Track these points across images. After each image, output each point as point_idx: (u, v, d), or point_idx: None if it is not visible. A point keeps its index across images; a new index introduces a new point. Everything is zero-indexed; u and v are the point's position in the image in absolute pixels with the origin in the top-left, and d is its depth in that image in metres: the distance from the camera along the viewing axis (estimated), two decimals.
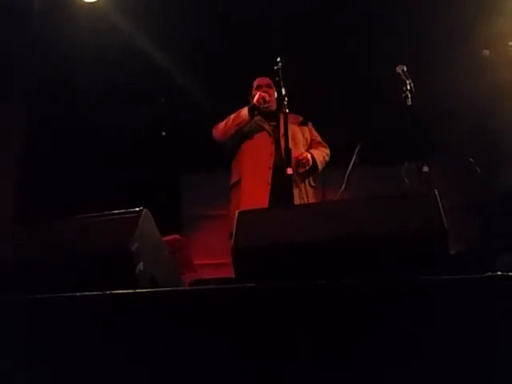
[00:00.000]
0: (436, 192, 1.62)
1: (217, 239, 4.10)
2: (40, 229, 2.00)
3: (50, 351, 1.55)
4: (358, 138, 3.57)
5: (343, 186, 3.36)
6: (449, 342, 1.32)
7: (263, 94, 3.34)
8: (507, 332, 1.27)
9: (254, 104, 3.33)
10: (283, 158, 3.08)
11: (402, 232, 1.58)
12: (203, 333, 1.46)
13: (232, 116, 3.40)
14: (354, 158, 3.40)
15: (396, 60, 3.11)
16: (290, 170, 2.93)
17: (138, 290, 1.56)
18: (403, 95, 2.89)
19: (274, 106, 3.43)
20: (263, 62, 3.31)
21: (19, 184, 4.21)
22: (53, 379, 1.53)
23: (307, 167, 3.26)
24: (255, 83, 3.56)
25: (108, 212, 1.88)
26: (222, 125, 3.43)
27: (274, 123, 3.41)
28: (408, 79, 2.92)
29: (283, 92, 3.08)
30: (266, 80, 3.50)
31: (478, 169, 3.63)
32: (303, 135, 3.48)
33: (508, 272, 1.32)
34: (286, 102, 3.05)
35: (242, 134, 3.38)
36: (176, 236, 3.37)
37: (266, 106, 3.33)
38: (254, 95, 3.41)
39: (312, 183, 3.44)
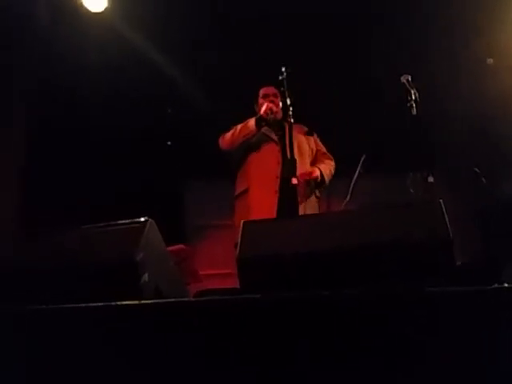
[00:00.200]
0: (441, 201, 1.62)
1: (222, 249, 4.10)
2: (44, 239, 2.00)
3: (52, 362, 1.55)
4: (363, 148, 3.58)
5: (348, 197, 3.36)
6: (453, 354, 1.31)
7: (270, 104, 3.34)
8: None
9: (262, 115, 3.33)
10: (289, 168, 3.08)
11: (407, 241, 1.57)
12: (208, 344, 1.45)
13: (239, 126, 3.40)
14: (359, 168, 3.41)
15: (401, 70, 3.12)
16: (294, 181, 2.93)
17: (142, 301, 1.56)
18: (408, 105, 2.90)
19: (280, 116, 3.43)
20: (268, 71, 3.33)
21: (19, 184, 4.21)
22: None
23: (316, 181, 3.27)
24: (261, 92, 3.56)
25: (113, 222, 1.88)
26: (228, 135, 3.43)
27: (279, 132, 3.41)
28: (413, 89, 2.93)
29: (288, 102, 3.09)
30: (272, 89, 3.49)
31: (483, 179, 3.62)
32: (309, 145, 3.48)
33: None
34: (290, 112, 3.05)
35: (249, 144, 3.38)
36: (181, 246, 3.36)
37: (272, 116, 3.32)
38: (261, 105, 3.41)
39: (317, 194, 3.44)
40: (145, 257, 1.70)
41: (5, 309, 1.63)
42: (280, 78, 3.12)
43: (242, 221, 1.82)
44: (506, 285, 1.32)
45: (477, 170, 3.68)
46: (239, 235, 1.75)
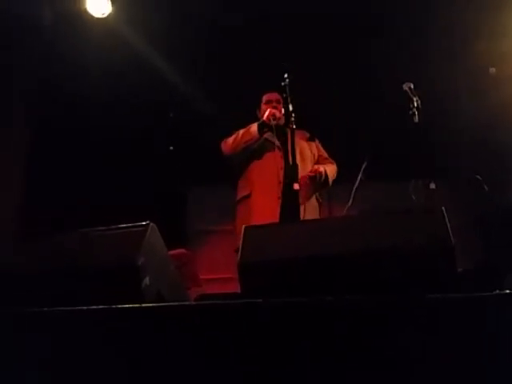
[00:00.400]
0: (443, 208, 1.62)
1: (223, 254, 4.10)
2: (45, 242, 2.00)
3: (52, 365, 1.55)
4: (365, 154, 3.58)
5: (350, 202, 3.36)
6: (454, 361, 1.30)
7: (273, 110, 3.35)
8: None
9: (264, 121, 3.33)
10: (292, 173, 3.09)
11: (409, 247, 1.57)
12: (209, 348, 1.45)
13: (241, 132, 3.41)
14: (360, 174, 3.41)
15: (403, 78, 3.13)
16: (296, 186, 2.93)
17: (143, 305, 1.56)
18: (410, 112, 2.91)
19: (282, 121, 3.44)
20: (271, 76, 3.34)
21: (20, 184, 4.21)
22: None
23: (320, 179, 3.27)
24: (264, 98, 3.57)
25: (114, 226, 1.88)
26: (230, 140, 3.43)
27: (282, 138, 3.42)
28: (415, 96, 2.94)
29: (290, 108, 3.10)
30: (275, 95, 3.50)
31: (485, 186, 3.62)
32: (311, 151, 3.49)
33: None
34: (293, 118, 3.06)
35: (251, 150, 3.38)
36: (182, 250, 3.36)
37: (275, 122, 3.33)
38: (264, 110, 3.41)
39: (319, 199, 3.44)
40: (146, 261, 1.70)
41: (5, 311, 1.63)
42: (282, 84, 3.13)
43: (244, 226, 1.82)
44: (507, 291, 1.31)
45: (479, 177, 3.68)
46: (240, 240, 1.75)
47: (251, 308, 1.47)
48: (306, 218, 3.15)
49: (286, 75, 3.13)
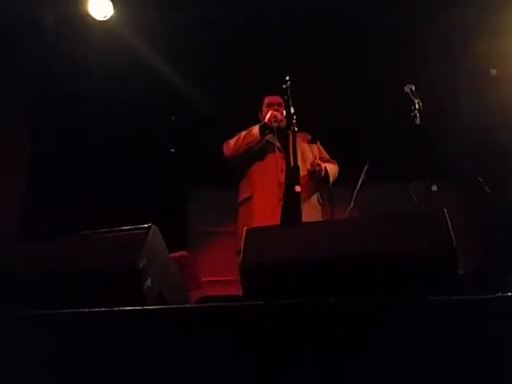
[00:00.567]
0: (445, 211, 1.62)
1: (224, 256, 4.10)
2: (47, 244, 2.00)
3: (54, 368, 1.55)
4: (367, 156, 3.58)
5: (351, 204, 3.36)
6: (456, 363, 1.30)
7: (275, 112, 3.36)
8: None
9: (266, 123, 3.34)
10: (293, 175, 3.10)
11: (411, 250, 1.57)
12: (210, 350, 1.45)
13: (243, 134, 3.41)
14: (362, 176, 3.41)
15: (404, 80, 3.13)
16: (298, 188, 2.93)
17: (145, 307, 1.56)
18: (412, 114, 2.91)
19: (284, 124, 3.45)
20: (272, 79, 3.34)
21: (20, 184, 4.22)
22: None
23: (319, 174, 3.27)
24: (266, 101, 3.58)
25: (116, 228, 1.89)
26: (232, 142, 3.44)
27: (283, 140, 3.42)
28: (416, 98, 2.94)
29: (292, 110, 3.10)
30: (277, 98, 3.51)
31: (487, 188, 3.62)
32: (312, 153, 3.50)
33: None
34: (294, 121, 3.07)
35: (253, 152, 3.39)
36: (183, 252, 3.36)
37: (277, 124, 3.33)
38: (265, 113, 3.42)
39: (320, 201, 3.44)
40: (148, 263, 1.70)
41: (6, 313, 1.63)
42: (284, 86, 3.14)
43: (245, 228, 1.82)
44: (509, 294, 1.31)
45: (480, 179, 3.68)
46: (242, 242, 1.75)
47: (253, 310, 1.47)
48: (308, 219, 3.15)
49: (287, 77, 3.14)
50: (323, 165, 3.34)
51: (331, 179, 3.40)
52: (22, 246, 2.13)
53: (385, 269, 1.56)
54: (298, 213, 2.95)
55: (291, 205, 3.05)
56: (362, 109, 4.56)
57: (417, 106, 2.91)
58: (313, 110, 3.79)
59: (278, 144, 3.42)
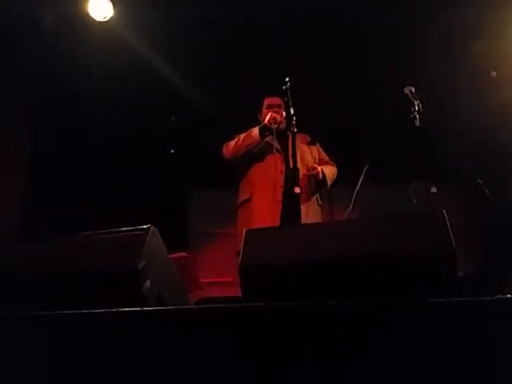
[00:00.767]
0: (444, 212, 1.62)
1: (223, 257, 4.09)
2: (47, 244, 2.00)
3: (53, 369, 1.55)
4: (366, 156, 3.58)
5: (351, 206, 3.36)
6: (455, 365, 1.30)
7: (274, 114, 3.35)
8: None
9: (265, 124, 3.34)
10: (293, 176, 3.10)
11: (411, 251, 1.57)
12: (210, 351, 1.45)
13: (242, 136, 3.41)
14: (362, 177, 3.41)
15: (404, 81, 3.13)
16: (297, 189, 2.93)
17: (144, 308, 1.56)
18: (411, 116, 2.91)
19: (283, 125, 3.45)
20: (272, 80, 3.34)
21: (20, 184, 4.22)
22: None
23: (316, 178, 3.27)
24: (266, 102, 3.58)
25: (115, 229, 1.89)
26: (232, 143, 3.44)
27: (283, 142, 3.42)
28: (416, 100, 2.94)
29: (291, 112, 3.10)
30: (277, 100, 3.51)
31: (486, 190, 3.62)
32: (312, 154, 3.50)
33: None
34: (294, 122, 3.07)
35: (253, 153, 3.39)
36: (183, 253, 3.37)
37: (276, 126, 3.33)
38: (265, 114, 3.42)
39: (320, 202, 3.44)
40: (147, 264, 1.70)
41: (6, 313, 1.63)
42: (284, 87, 3.14)
43: (245, 229, 1.82)
44: (508, 296, 1.31)
45: (480, 181, 3.68)
46: (242, 243, 1.75)
47: (252, 311, 1.47)
48: (308, 221, 3.15)
49: (287, 79, 3.14)
50: (319, 168, 3.34)
51: (329, 182, 3.39)
52: (21, 246, 2.13)
53: (384, 270, 1.56)
54: (297, 214, 2.96)
55: (290, 206, 3.05)
56: (361, 109, 4.56)
57: (416, 108, 2.92)
58: (312, 110, 3.79)
59: (277, 146, 3.42)
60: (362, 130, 4.55)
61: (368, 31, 4.30)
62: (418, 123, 2.90)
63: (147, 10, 4.09)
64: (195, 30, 4.28)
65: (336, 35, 4.27)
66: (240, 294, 1.70)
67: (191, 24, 4.24)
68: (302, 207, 3.07)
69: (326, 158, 3.58)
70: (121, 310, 1.53)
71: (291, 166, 3.11)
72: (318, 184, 3.33)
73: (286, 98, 3.15)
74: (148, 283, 1.68)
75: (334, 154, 3.65)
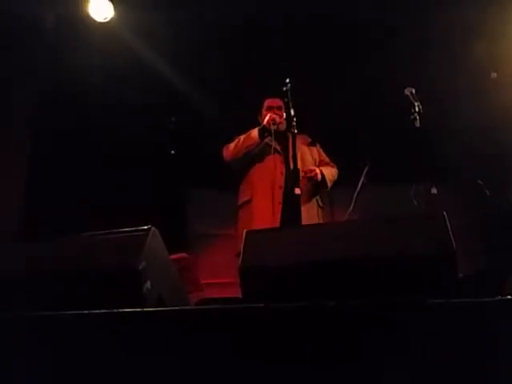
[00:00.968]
0: (445, 213, 1.62)
1: (224, 258, 4.09)
2: (47, 244, 2.00)
3: (54, 369, 1.55)
4: (367, 158, 3.58)
5: (351, 207, 3.36)
6: (455, 366, 1.30)
7: (274, 115, 3.36)
8: None
9: (265, 126, 3.34)
10: (293, 178, 3.10)
11: (411, 253, 1.57)
12: (210, 352, 1.45)
13: (242, 137, 3.41)
14: (362, 178, 3.41)
15: (403, 77, 3.13)
16: (298, 190, 2.93)
17: (145, 309, 1.56)
18: (412, 117, 2.92)
19: (283, 127, 3.45)
20: (273, 81, 3.34)
21: (20, 184, 4.22)
22: None
23: (315, 180, 3.27)
24: (266, 104, 3.58)
25: (116, 230, 1.89)
26: (232, 145, 3.44)
27: (283, 143, 3.42)
28: (416, 101, 2.94)
29: (292, 113, 3.10)
30: (277, 101, 3.51)
31: (487, 191, 3.62)
32: (312, 156, 3.49)
33: None
34: (294, 123, 3.06)
35: (253, 155, 3.39)
36: (183, 254, 3.37)
37: (275, 127, 3.33)
38: (265, 116, 3.42)
39: (320, 203, 3.44)
40: (147, 265, 1.70)
41: (6, 314, 1.63)
42: (284, 88, 3.14)
43: (245, 230, 1.82)
44: (509, 296, 1.31)
45: (480, 181, 3.68)
46: (242, 244, 1.75)
47: (252, 313, 1.47)
48: (308, 222, 3.15)
49: (287, 80, 3.14)
50: (317, 170, 3.32)
51: (329, 184, 3.38)
52: (22, 246, 2.13)
53: (385, 271, 1.56)
54: (297, 216, 2.96)
55: (291, 208, 3.05)
56: (361, 110, 4.56)
57: (417, 109, 2.92)
58: (313, 111, 3.78)
59: (277, 147, 3.42)
60: (362, 131, 4.55)
61: (368, 31, 4.29)
62: (418, 124, 2.90)
63: (147, 10, 4.08)
64: (195, 30, 4.28)
65: (336, 35, 4.26)
66: (240, 295, 1.70)
67: (191, 25, 4.24)
68: (303, 208, 3.07)
69: (327, 159, 3.58)
70: (121, 310, 1.53)
71: (291, 167, 3.12)
72: (317, 186, 3.33)
73: (286, 99, 3.15)
74: (148, 284, 1.69)
75: (335, 155, 3.65)
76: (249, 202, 3.32)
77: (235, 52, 4.45)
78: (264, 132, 3.34)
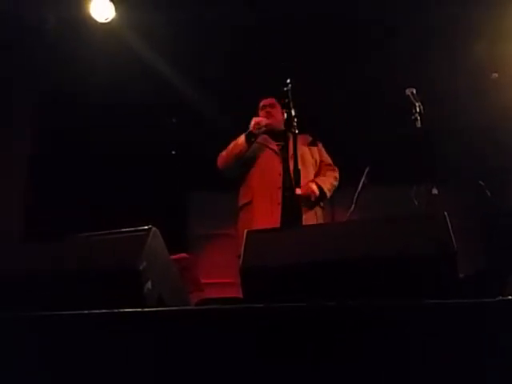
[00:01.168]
0: (445, 213, 1.62)
1: (224, 258, 4.10)
2: (48, 245, 2.00)
3: (54, 369, 1.55)
4: (368, 159, 3.58)
5: (352, 207, 3.35)
6: (455, 366, 1.30)
7: (258, 119, 3.35)
8: None
9: (251, 131, 3.34)
10: (291, 178, 3.10)
11: (412, 253, 1.57)
12: (210, 352, 1.45)
13: (231, 145, 3.41)
14: (363, 178, 3.40)
15: (403, 77, 3.13)
16: (298, 191, 2.92)
17: (145, 309, 1.56)
18: (412, 117, 2.91)
19: (280, 126, 3.44)
20: (274, 81, 3.33)
21: (20, 184, 4.22)
22: None
23: (313, 197, 3.25)
24: (260, 104, 3.58)
25: (116, 230, 1.88)
26: (224, 154, 3.44)
27: (281, 143, 3.41)
28: (417, 102, 2.94)
29: (293, 113, 3.09)
30: (269, 100, 3.51)
31: (488, 192, 3.62)
32: (312, 156, 3.47)
33: None
34: (295, 123, 3.05)
35: (251, 156, 3.38)
36: (183, 255, 3.36)
37: (261, 131, 3.32)
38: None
39: (321, 204, 3.43)
40: (148, 265, 1.70)
41: (6, 314, 1.63)
42: (285, 89, 3.13)
43: (246, 230, 1.82)
44: (509, 297, 1.31)
45: (481, 182, 3.68)
46: (243, 245, 1.75)
47: (253, 313, 1.47)
48: (309, 222, 3.13)
49: (288, 80, 3.13)
50: (313, 186, 3.27)
51: (328, 194, 3.34)
52: (22, 246, 2.13)
53: (385, 271, 1.56)
54: (297, 216, 2.95)
55: (290, 208, 3.05)
56: (362, 110, 4.56)
57: (418, 110, 2.91)
58: (313, 111, 3.78)
59: (275, 148, 3.41)
60: (363, 131, 4.55)
61: (368, 31, 4.29)
62: (418, 124, 2.90)
63: (148, 11, 4.09)
64: (195, 30, 4.28)
65: (336, 35, 4.27)
66: (240, 295, 1.70)
67: (191, 25, 4.24)
68: (303, 208, 3.06)
69: (328, 160, 3.54)
70: (121, 310, 1.53)
71: (289, 167, 3.12)
72: (317, 198, 3.30)
73: (286, 100, 3.14)
74: (149, 284, 1.68)
75: (335, 155, 3.64)
76: (249, 204, 3.31)
77: (235, 52, 4.45)
78: (251, 137, 3.33)
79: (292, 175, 3.05)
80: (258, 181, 3.34)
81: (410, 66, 4.20)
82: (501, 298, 1.33)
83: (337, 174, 3.48)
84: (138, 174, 4.74)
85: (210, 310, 1.58)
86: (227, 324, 1.46)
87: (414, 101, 2.94)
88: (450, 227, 1.57)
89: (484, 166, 4.36)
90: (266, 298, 1.53)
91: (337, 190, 3.50)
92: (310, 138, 3.54)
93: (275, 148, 3.41)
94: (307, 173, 3.30)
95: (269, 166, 3.35)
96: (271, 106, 3.47)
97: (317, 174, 3.43)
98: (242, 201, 3.39)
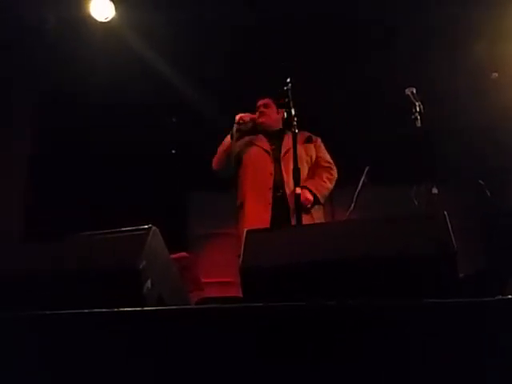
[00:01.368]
0: (445, 213, 1.62)
1: (224, 258, 4.10)
2: (48, 244, 2.00)
3: (54, 368, 1.55)
4: (368, 158, 3.57)
5: (352, 206, 3.35)
6: (454, 366, 1.30)
7: (242, 115, 3.36)
8: None
9: (235, 127, 3.36)
10: (282, 178, 3.16)
11: (412, 253, 1.57)
12: (210, 351, 1.45)
13: (220, 146, 3.44)
14: (363, 178, 3.40)
15: (403, 77, 3.13)
16: (298, 190, 2.91)
17: (145, 308, 1.56)
18: (412, 117, 2.91)
19: (274, 125, 3.42)
20: (273, 81, 3.33)
21: (20, 184, 4.22)
22: None
23: (307, 204, 3.23)
24: (257, 104, 3.59)
25: (116, 229, 1.88)
26: (216, 155, 3.46)
27: (276, 143, 3.40)
28: (417, 101, 2.94)
29: (293, 112, 3.08)
30: (264, 100, 3.51)
31: (488, 192, 3.62)
32: (307, 153, 3.42)
33: None
34: (295, 123, 3.05)
35: (243, 157, 3.38)
36: (183, 254, 3.37)
37: (242, 126, 3.34)
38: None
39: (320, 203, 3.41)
40: (148, 264, 1.70)
41: (6, 314, 1.63)
42: (285, 88, 3.12)
43: (245, 230, 1.82)
44: (509, 296, 1.31)
45: (481, 182, 3.69)
46: (242, 244, 1.75)
47: (253, 312, 1.47)
48: (308, 222, 3.12)
49: (288, 79, 3.12)
50: (307, 194, 3.21)
51: (322, 199, 3.29)
52: (22, 246, 2.13)
53: (385, 271, 1.56)
54: (287, 217, 2.99)
55: (280, 209, 3.07)
56: (362, 110, 4.56)
57: (418, 109, 2.91)
58: (313, 111, 3.78)
59: (267, 148, 3.40)
60: (363, 131, 4.55)
61: (368, 31, 4.30)
62: (418, 124, 2.90)
63: (148, 10, 4.09)
64: (195, 30, 4.29)
65: (336, 35, 4.27)
66: (240, 294, 1.70)
67: (191, 25, 4.25)
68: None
69: (326, 157, 3.49)
70: (121, 310, 1.53)
71: (282, 166, 3.18)
72: (312, 204, 3.28)
73: (286, 99, 3.13)
74: (149, 284, 1.68)
75: (335, 155, 3.63)
76: (242, 204, 3.31)
77: (235, 52, 4.45)
78: (234, 131, 3.35)
79: (283, 175, 3.14)
80: (249, 181, 3.33)
81: (410, 66, 4.20)
82: (500, 297, 1.33)
83: (334, 173, 3.41)
84: (138, 174, 4.75)
85: (209, 310, 1.58)
86: (227, 323, 1.46)
87: (413, 100, 2.94)
88: (449, 227, 1.57)
89: (484, 166, 4.36)
90: (266, 298, 1.53)
91: (337, 189, 3.48)
92: (307, 135, 3.51)
93: (267, 148, 3.40)
94: (302, 171, 3.27)
95: (260, 166, 3.34)
96: (265, 105, 3.48)
97: (311, 171, 3.39)
98: (237, 201, 3.39)
